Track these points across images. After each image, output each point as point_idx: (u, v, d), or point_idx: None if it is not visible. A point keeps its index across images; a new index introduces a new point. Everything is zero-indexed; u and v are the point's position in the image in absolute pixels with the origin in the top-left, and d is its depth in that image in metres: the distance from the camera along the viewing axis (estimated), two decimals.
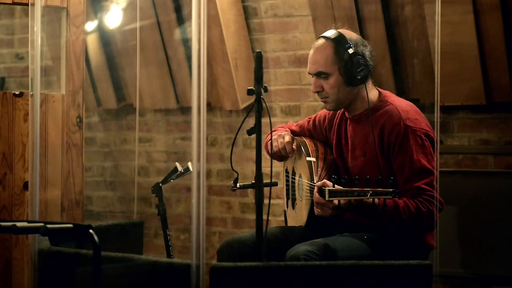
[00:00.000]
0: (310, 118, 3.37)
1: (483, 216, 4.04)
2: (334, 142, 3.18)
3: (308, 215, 3.07)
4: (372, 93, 3.07)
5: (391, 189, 2.69)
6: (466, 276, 4.07)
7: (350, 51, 2.99)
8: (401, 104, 3.03)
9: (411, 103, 3.09)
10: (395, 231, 2.95)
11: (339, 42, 3.01)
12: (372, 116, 3.01)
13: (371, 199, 2.73)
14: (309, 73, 3.10)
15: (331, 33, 3.06)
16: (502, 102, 4.02)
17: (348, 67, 2.99)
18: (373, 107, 3.03)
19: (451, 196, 3.69)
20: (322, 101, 3.11)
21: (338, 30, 3.07)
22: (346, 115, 3.14)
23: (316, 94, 3.10)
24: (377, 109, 3.03)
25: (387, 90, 3.17)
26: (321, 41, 3.06)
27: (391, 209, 2.81)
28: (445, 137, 4.21)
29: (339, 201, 2.78)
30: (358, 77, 2.99)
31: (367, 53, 3.03)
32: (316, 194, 2.84)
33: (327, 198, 2.78)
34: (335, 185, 2.79)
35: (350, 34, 3.06)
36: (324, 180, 2.85)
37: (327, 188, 2.78)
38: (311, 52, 3.07)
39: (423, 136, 2.94)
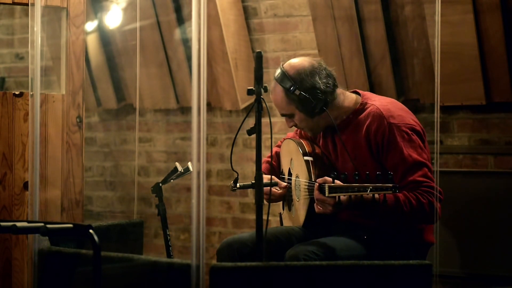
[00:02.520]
0: (297, 130, 3.37)
1: (483, 216, 4.04)
2: (322, 149, 3.18)
3: (306, 215, 3.06)
4: (348, 100, 3.05)
5: (390, 184, 2.70)
6: (466, 276, 4.07)
7: (297, 92, 2.97)
8: (382, 102, 3.02)
9: (392, 100, 3.09)
10: (397, 226, 2.95)
11: (284, 83, 2.99)
12: (355, 120, 3.01)
13: (371, 195, 2.73)
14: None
15: (276, 73, 3.04)
16: (502, 102, 4.02)
17: (302, 105, 2.99)
18: (355, 111, 3.03)
19: (451, 196, 3.68)
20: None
21: (283, 66, 3.02)
22: None
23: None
24: (359, 112, 3.02)
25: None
26: (273, 83, 3.05)
27: (391, 204, 2.81)
28: (445, 137, 4.21)
29: (339, 197, 2.78)
30: (316, 111, 2.99)
31: (318, 82, 2.98)
32: (316, 191, 2.84)
33: (327, 194, 2.78)
34: (335, 181, 2.79)
35: (294, 68, 3.00)
36: (325, 177, 2.84)
37: (327, 184, 2.78)
38: (271, 95, 3.08)
39: (408, 130, 2.93)
